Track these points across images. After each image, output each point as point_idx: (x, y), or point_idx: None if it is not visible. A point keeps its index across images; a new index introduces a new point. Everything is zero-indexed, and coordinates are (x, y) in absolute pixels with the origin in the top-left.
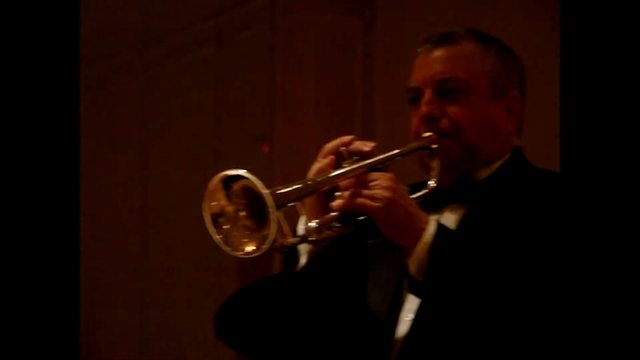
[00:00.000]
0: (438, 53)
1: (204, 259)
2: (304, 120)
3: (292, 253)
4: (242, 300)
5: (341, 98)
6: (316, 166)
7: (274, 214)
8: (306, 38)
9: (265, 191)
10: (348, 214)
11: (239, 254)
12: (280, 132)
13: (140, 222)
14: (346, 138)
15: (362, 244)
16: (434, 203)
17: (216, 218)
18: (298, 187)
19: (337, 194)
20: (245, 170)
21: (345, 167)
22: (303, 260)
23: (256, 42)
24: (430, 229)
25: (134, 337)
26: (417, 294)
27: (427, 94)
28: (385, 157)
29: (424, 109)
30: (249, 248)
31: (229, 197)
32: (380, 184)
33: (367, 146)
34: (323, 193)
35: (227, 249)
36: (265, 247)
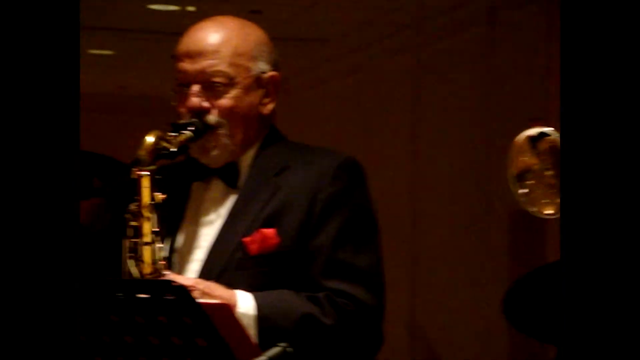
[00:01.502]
0: None
1: (474, 241)
2: None
3: None
4: (534, 283)
5: None
6: None
7: None
8: None
9: None
10: None
11: (536, 211)
12: (556, 113)
13: (410, 198)
14: None
15: None
16: None
17: (522, 173)
18: None
19: None
20: (553, 129)
21: None
22: None
23: (530, 21)
24: None
25: (405, 312)
26: None
27: None
28: None
29: None
30: (548, 210)
31: (536, 155)
32: None
33: None
34: None
35: (526, 205)
36: None
